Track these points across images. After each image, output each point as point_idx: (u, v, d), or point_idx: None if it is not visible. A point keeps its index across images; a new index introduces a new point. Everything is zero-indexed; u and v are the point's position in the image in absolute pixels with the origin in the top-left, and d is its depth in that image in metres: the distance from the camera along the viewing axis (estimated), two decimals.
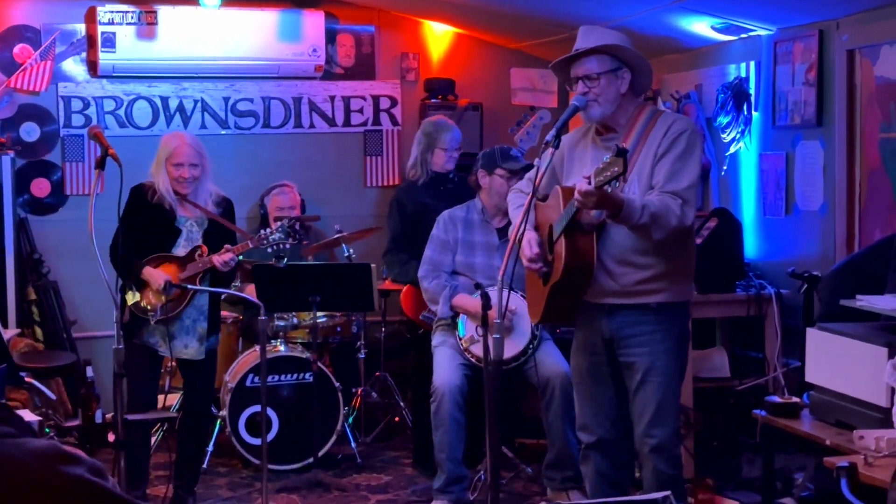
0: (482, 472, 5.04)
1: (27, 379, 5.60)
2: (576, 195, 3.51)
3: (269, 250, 5.05)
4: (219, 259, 4.79)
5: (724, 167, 5.89)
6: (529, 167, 4.66)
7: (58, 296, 6.46)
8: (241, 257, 5.85)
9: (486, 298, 4.37)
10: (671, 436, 3.89)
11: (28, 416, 3.90)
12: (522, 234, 3.65)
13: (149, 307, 4.82)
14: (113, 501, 1.74)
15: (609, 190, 3.45)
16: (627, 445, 4.05)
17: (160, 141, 5.03)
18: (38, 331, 6.33)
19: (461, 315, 5.10)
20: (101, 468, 1.78)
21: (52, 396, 5.90)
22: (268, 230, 5.05)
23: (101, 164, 4.32)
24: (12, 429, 1.75)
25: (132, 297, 4.82)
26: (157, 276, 4.79)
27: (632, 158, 3.71)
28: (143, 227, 4.81)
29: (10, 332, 5.63)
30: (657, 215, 3.62)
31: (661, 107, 6.02)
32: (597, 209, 3.62)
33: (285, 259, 5.42)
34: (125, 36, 6.45)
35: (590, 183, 3.44)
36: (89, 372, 6.10)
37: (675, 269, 3.85)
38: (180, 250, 4.88)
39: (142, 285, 4.83)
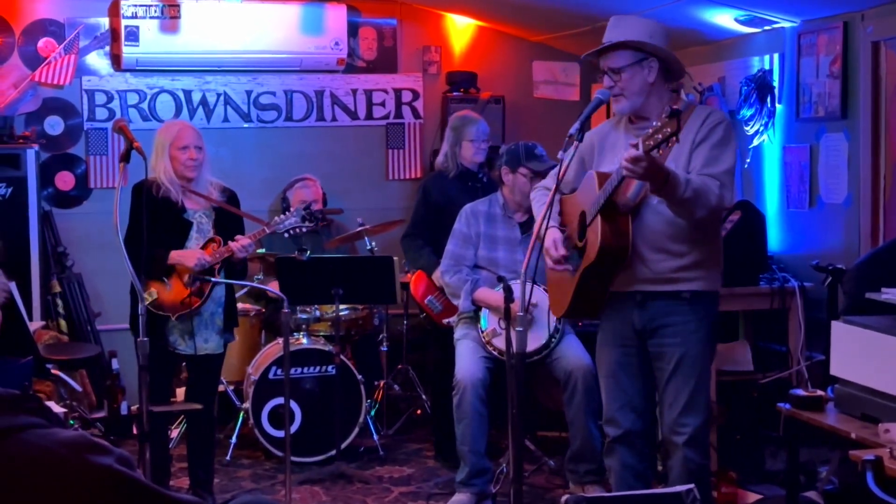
0: (504, 465, 5.04)
1: (53, 371, 5.64)
2: (624, 163, 3.44)
3: (286, 235, 5.00)
4: (236, 245, 4.72)
5: (748, 160, 5.86)
6: (553, 168, 4.63)
7: (82, 288, 6.51)
8: (263, 251, 5.91)
9: (508, 292, 4.37)
10: (703, 425, 3.88)
11: (54, 407, 3.92)
12: (546, 230, 3.63)
13: (166, 304, 4.72)
14: (140, 491, 1.75)
15: (660, 153, 3.42)
16: (651, 437, 4.04)
17: (157, 133, 4.87)
18: (63, 323, 6.37)
19: (483, 308, 5.11)
20: (130, 458, 1.79)
21: (78, 388, 5.94)
22: (283, 215, 5.00)
23: (125, 158, 4.31)
24: (42, 419, 1.76)
25: (149, 297, 4.68)
26: (188, 254, 4.72)
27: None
28: (153, 223, 4.57)
29: (35, 325, 5.68)
30: (699, 191, 3.61)
31: (683, 98, 6.00)
32: (643, 179, 3.56)
33: (308, 252, 5.44)
34: (148, 29, 6.49)
35: (638, 148, 3.41)
36: (115, 364, 6.13)
37: (707, 258, 3.84)
38: (193, 243, 4.80)
39: (169, 273, 4.76)
